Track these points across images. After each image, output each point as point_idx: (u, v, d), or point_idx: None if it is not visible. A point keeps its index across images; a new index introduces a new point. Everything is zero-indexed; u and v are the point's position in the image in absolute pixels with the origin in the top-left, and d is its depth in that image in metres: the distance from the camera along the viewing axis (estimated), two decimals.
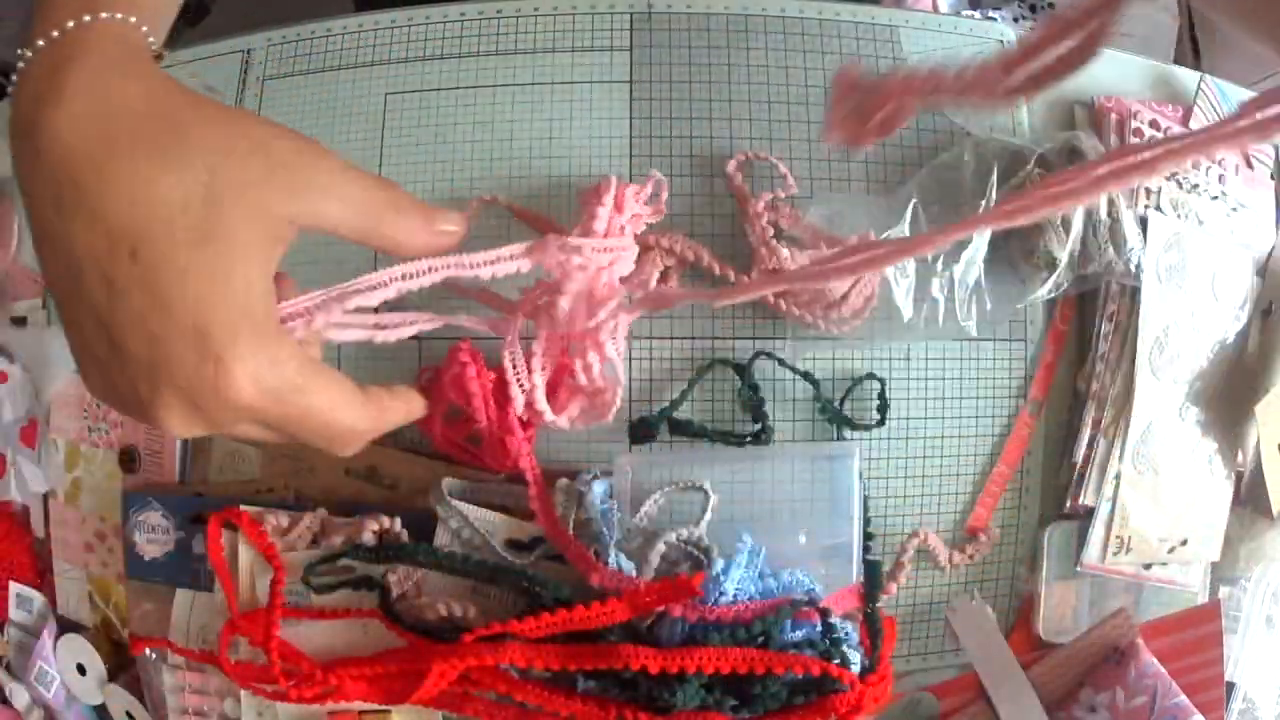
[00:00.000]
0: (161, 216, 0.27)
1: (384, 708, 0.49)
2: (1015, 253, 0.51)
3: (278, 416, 0.30)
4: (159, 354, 0.28)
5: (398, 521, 0.48)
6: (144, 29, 0.30)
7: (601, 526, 0.45)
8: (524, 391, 0.45)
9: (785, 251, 0.48)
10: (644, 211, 0.49)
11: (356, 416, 0.34)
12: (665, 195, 0.50)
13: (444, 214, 0.35)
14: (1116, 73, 0.56)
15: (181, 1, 0.38)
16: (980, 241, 0.50)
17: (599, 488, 0.47)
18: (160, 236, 0.27)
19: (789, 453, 0.50)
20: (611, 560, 0.44)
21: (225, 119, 0.29)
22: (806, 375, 0.50)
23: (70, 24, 0.29)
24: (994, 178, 0.50)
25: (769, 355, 0.50)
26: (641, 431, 0.49)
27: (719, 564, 0.44)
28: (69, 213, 0.27)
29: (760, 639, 0.43)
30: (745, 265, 0.50)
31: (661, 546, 0.45)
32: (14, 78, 0.29)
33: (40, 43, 0.29)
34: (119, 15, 0.29)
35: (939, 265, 0.50)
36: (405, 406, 0.39)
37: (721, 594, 0.44)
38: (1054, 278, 0.50)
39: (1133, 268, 0.51)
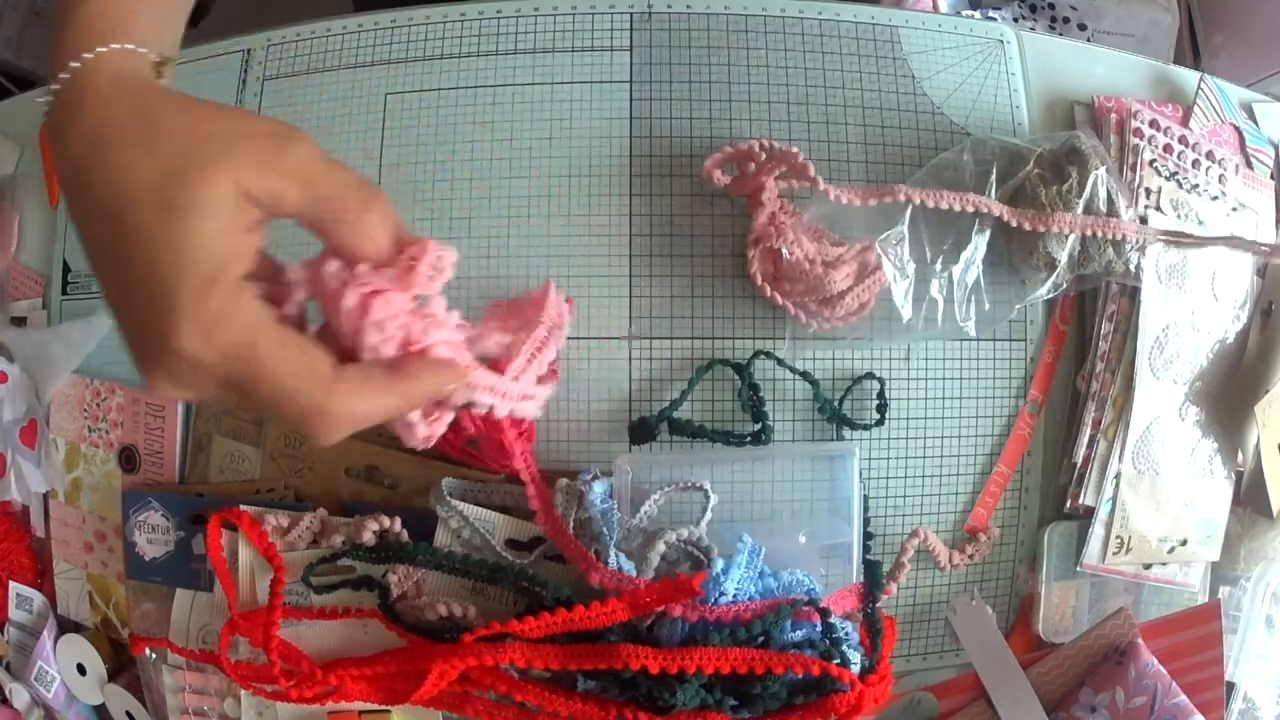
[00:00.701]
0: (130, 193, 0.31)
1: (384, 708, 0.49)
2: (1015, 253, 0.51)
3: (235, 378, 0.32)
4: (131, 316, 0.31)
5: (398, 521, 0.48)
6: (141, 50, 0.35)
7: (601, 526, 0.45)
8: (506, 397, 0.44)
9: (791, 234, 0.48)
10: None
11: (323, 394, 0.32)
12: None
13: (418, 242, 0.36)
14: (1116, 72, 0.56)
15: (189, 8, 0.41)
16: (979, 241, 0.50)
17: (599, 488, 0.47)
18: (129, 209, 0.31)
19: (789, 453, 0.50)
20: (611, 560, 0.44)
21: (201, 112, 0.33)
22: (806, 375, 0.50)
23: (85, 56, 0.33)
24: (993, 177, 0.50)
25: (768, 355, 0.50)
26: (641, 431, 0.49)
27: (719, 564, 0.44)
28: (76, 204, 0.32)
29: (760, 639, 0.43)
30: (743, 267, 0.50)
31: (661, 546, 0.45)
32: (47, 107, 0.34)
33: (63, 75, 0.33)
34: (116, 45, 0.34)
35: (938, 266, 0.50)
36: (407, 392, 0.35)
37: (721, 594, 0.44)
38: (1053, 278, 0.50)
39: (1133, 268, 0.51)
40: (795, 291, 0.49)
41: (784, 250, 0.48)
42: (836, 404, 0.50)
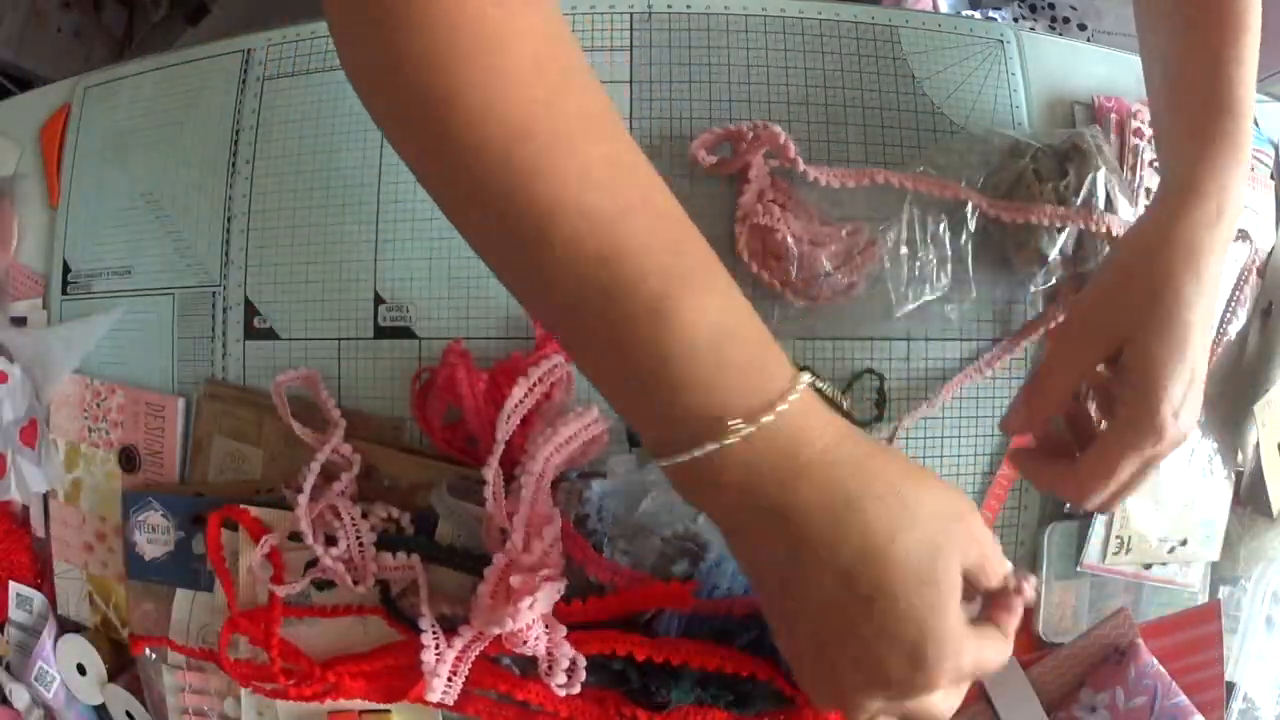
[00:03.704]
0: (896, 568, 0.33)
1: (384, 707, 0.49)
2: (1008, 247, 0.51)
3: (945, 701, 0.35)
4: (873, 660, 0.33)
5: (406, 516, 0.48)
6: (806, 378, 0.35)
7: (597, 523, 0.45)
8: None
9: (777, 211, 0.48)
10: None
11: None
12: None
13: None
14: (1116, 72, 0.56)
15: None
16: (972, 232, 0.50)
17: (597, 486, 0.47)
18: (895, 583, 0.33)
19: None
20: (608, 554, 0.45)
21: (937, 491, 0.35)
22: (808, 369, 0.50)
23: (790, 398, 0.33)
24: (988, 169, 0.50)
25: None
26: None
27: (711, 556, 0.44)
28: (810, 565, 0.34)
29: (754, 634, 0.44)
30: (744, 267, 0.50)
31: (657, 542, 0.45)
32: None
33: (749, 427, 0.33)
34: (807, 379, 0.34)
35: (931, 255, 0.50)
36: None
37: (715, 588, 0.44)
38: (1042, 273, 0.50)
39: None
40: (782, 269, 0.49)
41: (772, 226, 0.48)
42: (839, 399, 0.50)
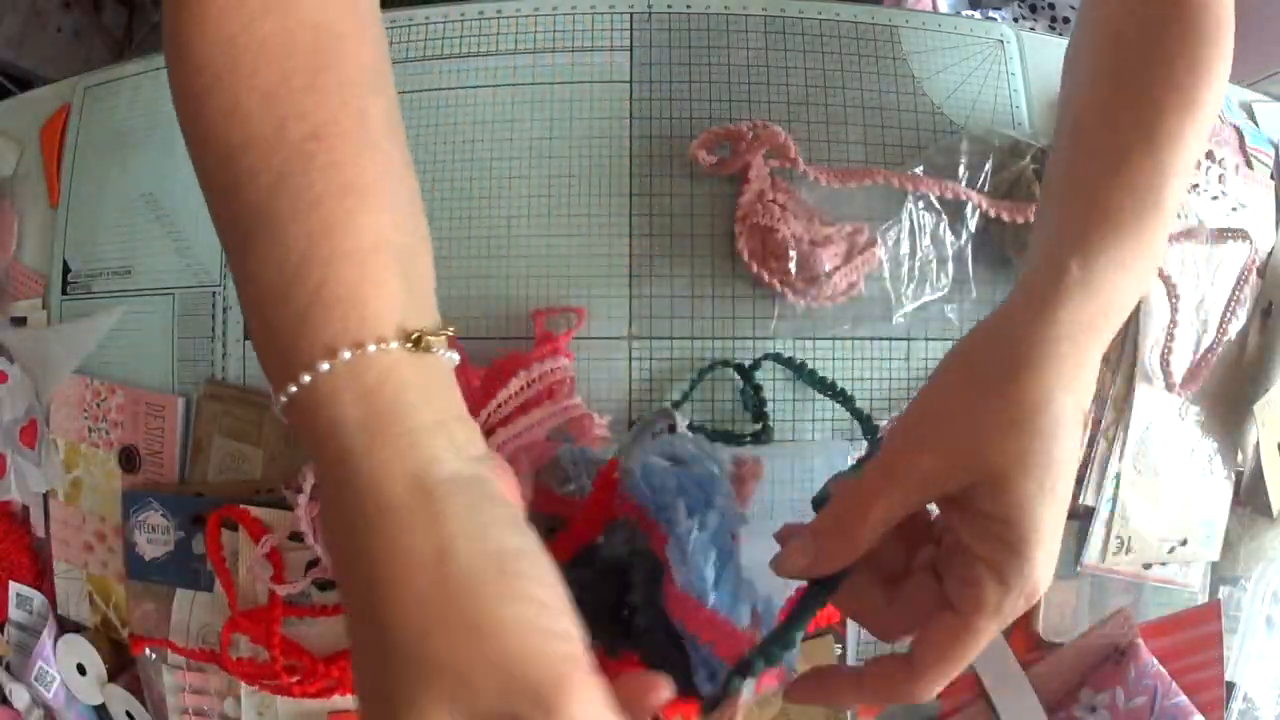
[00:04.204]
0: (387, 644, 0.28)
1: None
2: (1008, 246, 0.51)
3: None
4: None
5: None
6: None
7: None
8: None
9: (777, 211, 0.48)
10: None
11: None
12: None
13: None
14: None
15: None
16: (973, 232, 0.50)
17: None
18: (375, 665, 0.29)
19: (787, 453, 0.50)
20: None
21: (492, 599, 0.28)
22: (807, 370, 0.50)
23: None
24: (987, 168, 0.51)
25: (777, 358, 0.50)
26: None
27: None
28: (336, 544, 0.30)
29: None
30: (743, 267, 0.50)
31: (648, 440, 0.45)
32: None
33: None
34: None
35: (931, 255, 0.50)
36: None
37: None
38: None
39: None
40: (782, 269, 0.49)
41: (772, 226, 0.48)
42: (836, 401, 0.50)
